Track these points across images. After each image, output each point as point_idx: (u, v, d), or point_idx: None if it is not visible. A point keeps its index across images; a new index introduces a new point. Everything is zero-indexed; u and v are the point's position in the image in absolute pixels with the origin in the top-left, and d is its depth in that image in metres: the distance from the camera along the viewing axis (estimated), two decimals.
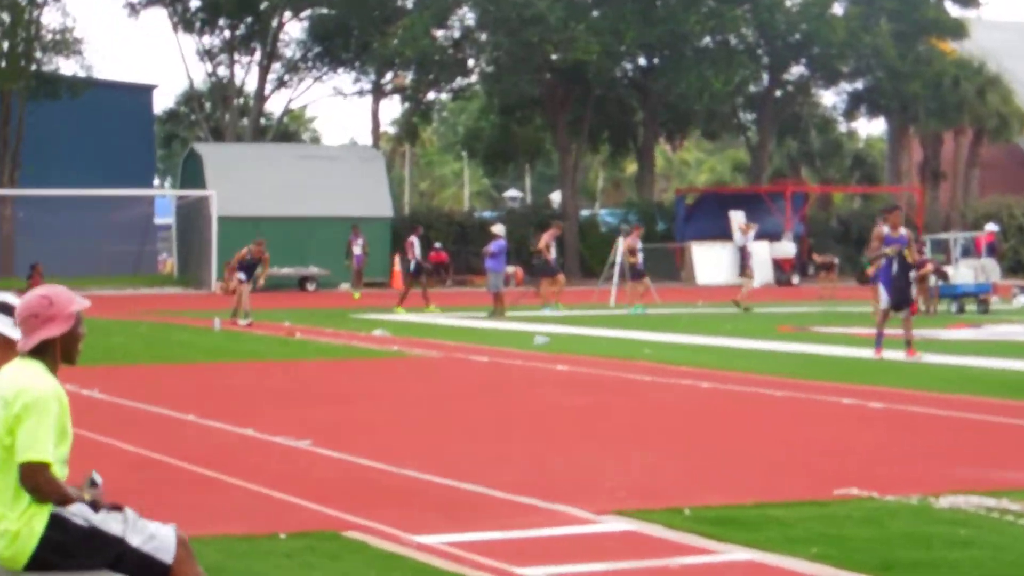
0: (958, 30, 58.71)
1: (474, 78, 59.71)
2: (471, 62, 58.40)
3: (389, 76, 60.24)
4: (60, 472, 5.29)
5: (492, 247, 32.72)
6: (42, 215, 51.91)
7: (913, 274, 20.19)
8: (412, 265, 34.85)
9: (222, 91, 59.41)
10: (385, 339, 24.23)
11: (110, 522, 5.26)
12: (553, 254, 34.90)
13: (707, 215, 56.22)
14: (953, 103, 58.11)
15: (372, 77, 59.67)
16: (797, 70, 60.56)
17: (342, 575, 7.29)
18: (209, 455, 11.15)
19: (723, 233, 53.00)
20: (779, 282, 51.11)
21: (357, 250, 43.37)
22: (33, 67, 52.14)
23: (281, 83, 60.02)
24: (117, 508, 5.32)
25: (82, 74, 54.26)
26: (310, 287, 48.09)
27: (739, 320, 29.47)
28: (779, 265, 52.80)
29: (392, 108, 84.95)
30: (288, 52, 59.98)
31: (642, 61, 58.78)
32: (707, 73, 53.82)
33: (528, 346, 22.30)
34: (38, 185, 50.65)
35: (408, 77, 60.29)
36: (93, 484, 5.37)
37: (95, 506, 5.27)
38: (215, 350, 22.13)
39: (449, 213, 62.11)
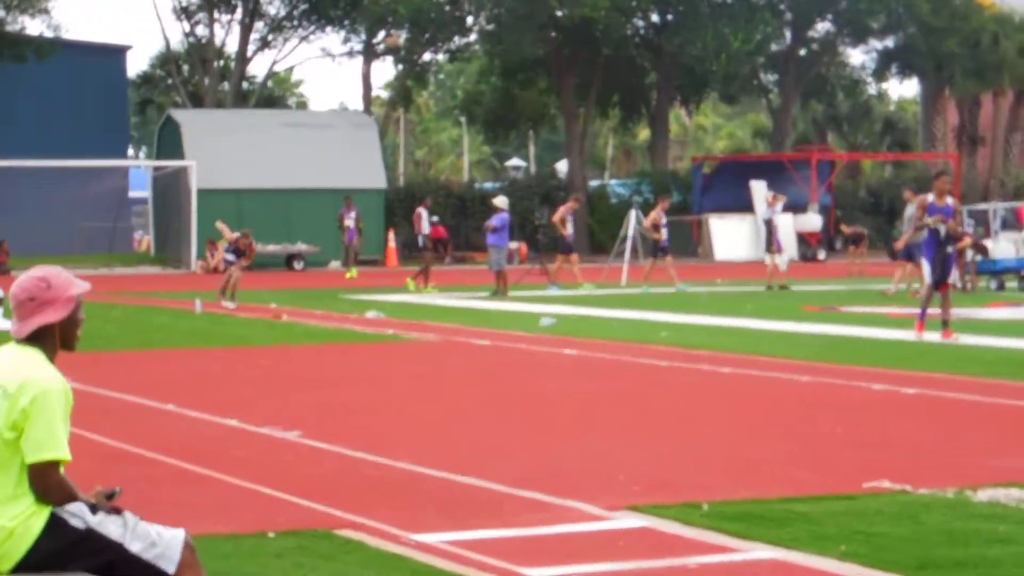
0: None
1: (473, 37, 59.68)
2: (470, 20, 58.35)
3: (381, 35, 60.17)
4: None
5: (494, 221, 32.74)
6: (6, 188, 51.87)
7: (950, 248, 20.16)
8: (420, 240, 35.03)
9: (201, 52, 59.36)
10: (379, 321, 24.29)
11: (108, 525, 5.24)
12: (570, 230, 34.83)
13: (726, 185, 56.17)
14: (992, 62, 58.04)
15: (363, 37, 59.63)
16: (823, 27, 60.52)
17: None
18: (190, 448, 11.20)
19: (743, 205, 52.99)
20: (804, 258, 51.13)
21: (349, 223, 42.87)
22: None
23: (265, 43, 59.98)
24: (116, 511, 5.31)
25: (49, 34, 54.28)
26: (298, 265, 48.16)
27: (761, 299, 29.50)
28: (804, 239, 52.81)
29: (385, 70, 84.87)
30: (272, 9, 59.98)
31: (655, 18, 58.75)
32: (725, 31, 53.79)
33: (533, 328, 22.34)
34: (2, 156, 50.63)
35: (402, 36, 60.21)
36: (110, 496, 5.36)
37: (94, 508, 5.28)
38: (196, 334, 22.18)
39: (447, 184, 62.15)
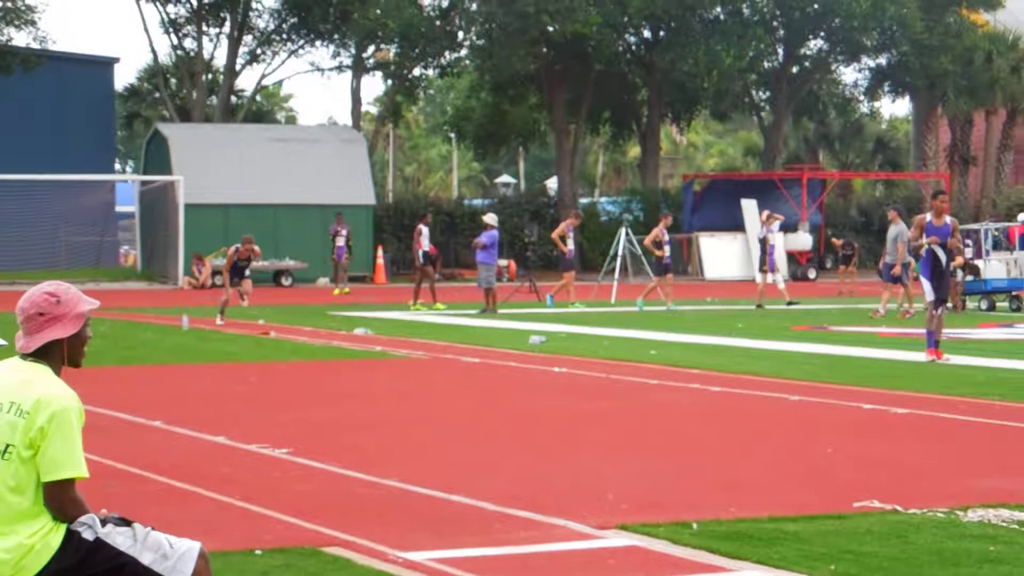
0: (991, 0, 58.81)
1: (463, 52, 59.76)
2: (460, 35, 58.45)
3: (371, 50, 60.25)
4: None
5: (483, 238, 32.80)
6: None
7: (952, 266, 20.08)
8: (421, 256, 35.18)
9: (189, 66, 59.34)
10: (367, 338, 24.34)
11: (116, 536, 5.28)
12: (570, 246, 34.92)
13: (717, 203, 56.27)
14: (985, 81, 58.23)
15: (352, 51, 59.65)
16: (815, 44, 60.68)
17: None
18: (177, 465, 11.22)
19: (734, 223, 53.08)
20: (795, 276, 51.20)
21: (340, 241, 42.96)
22: None
23: (253, 57, 59.97)
24: (124, 522, 5.35)
25: (36, 46, 54.21)
26: (286, 282, 48.17)
27: (751, 318, 29.58)
28: (794, 258, 52.90)
29: (374, 85, 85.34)
30: (261, 23, 60.00)
31: (647, 34, 58.88)
32: (717, 47, 53.92)
33: (523, 346, 22.39)
34: None
35: (391, 51, 60.31)
36: (122, 522, 5.39)
37: (104, 521, 5.31)
38: (183, 351, 22.21)
39: (436, 201, 62.18)
